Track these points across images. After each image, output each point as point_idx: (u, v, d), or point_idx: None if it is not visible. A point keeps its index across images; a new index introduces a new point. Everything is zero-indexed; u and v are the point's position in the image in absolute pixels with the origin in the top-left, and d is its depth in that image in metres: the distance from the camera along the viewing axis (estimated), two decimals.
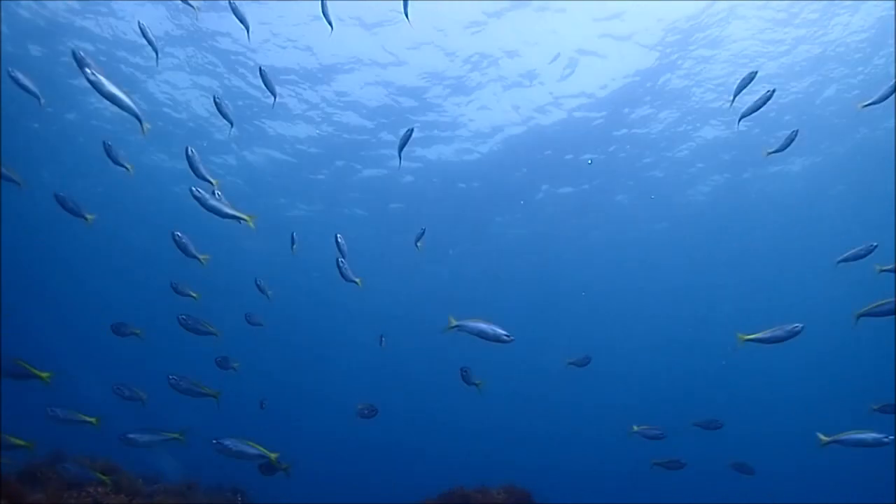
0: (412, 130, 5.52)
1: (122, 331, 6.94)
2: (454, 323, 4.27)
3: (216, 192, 5.06)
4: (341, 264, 5.81)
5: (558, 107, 13.68)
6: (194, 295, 6.83)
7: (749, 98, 5.79)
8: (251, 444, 4.84)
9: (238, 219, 5.10)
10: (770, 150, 5.23)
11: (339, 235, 5.94)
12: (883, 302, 4.89)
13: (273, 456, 4.95)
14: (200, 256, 5.57)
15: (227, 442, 4.77)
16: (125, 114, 4.56)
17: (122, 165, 5.47)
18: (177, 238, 5.38)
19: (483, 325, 4.20)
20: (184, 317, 6.08)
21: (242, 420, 12.73)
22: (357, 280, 5.87)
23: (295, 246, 7.07)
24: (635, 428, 7.98)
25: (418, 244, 6.72)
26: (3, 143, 14.18)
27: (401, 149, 5.52)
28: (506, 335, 4.14)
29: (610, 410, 27.46)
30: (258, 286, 7.66)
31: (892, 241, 18.76)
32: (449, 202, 17.23)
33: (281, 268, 20.20)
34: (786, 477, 24.65)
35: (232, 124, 6.10)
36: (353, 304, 22.09)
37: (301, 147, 15.19)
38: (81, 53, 4.40)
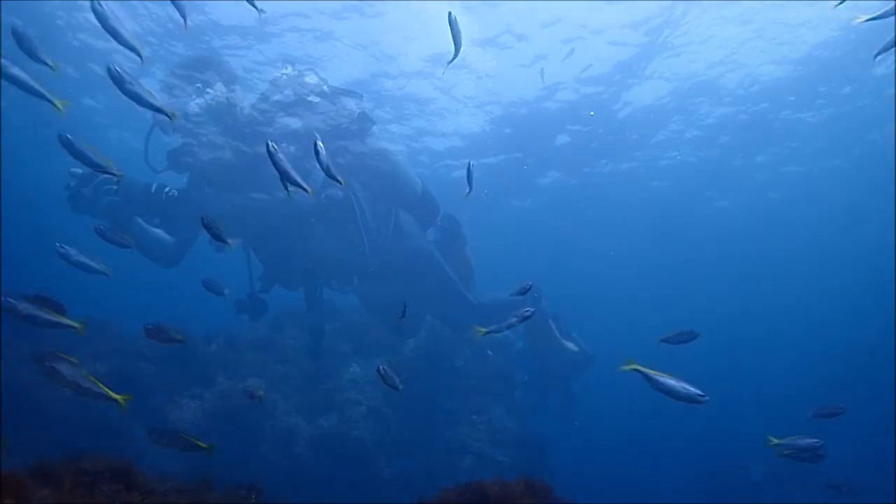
0: (453, 15, 4.71)
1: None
2: (637, 368, 3.60)
3: (121, 73, 3.95)
4: (278, 158, 3.84)
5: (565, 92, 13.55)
6: (131, 243, 5.88)
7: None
8: (49, 312, 3.86)
9: (46, 99, 4.06)
10: (877, 51, 4.66)
11: (319, 142, 4.09)
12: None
13: (86, 377, 3.83)
14: (114, 170, 4.20)
15: (17, 303, 3.74)
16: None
17: (44, 62, 4.33)
18: (64, 139, 3.93)
19: (672, 382, 3.47)
20: (62, 249, 4.99)
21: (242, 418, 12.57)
22: (308, 188, 4.07)
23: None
24: (774, 440, 4.98)
25: (468, 195, 5.78)
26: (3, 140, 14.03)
27: (456, 45, 4.78)
28: (699, 394, 3.43)
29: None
30: (210, 228, 5.07)
31: (892, 240, 18.85)
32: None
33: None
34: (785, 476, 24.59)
35: (185, 18, 5.08)
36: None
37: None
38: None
